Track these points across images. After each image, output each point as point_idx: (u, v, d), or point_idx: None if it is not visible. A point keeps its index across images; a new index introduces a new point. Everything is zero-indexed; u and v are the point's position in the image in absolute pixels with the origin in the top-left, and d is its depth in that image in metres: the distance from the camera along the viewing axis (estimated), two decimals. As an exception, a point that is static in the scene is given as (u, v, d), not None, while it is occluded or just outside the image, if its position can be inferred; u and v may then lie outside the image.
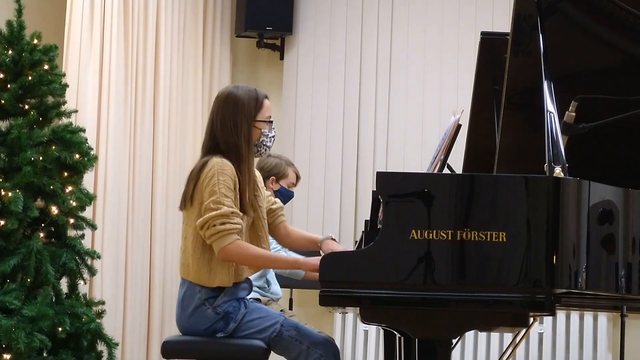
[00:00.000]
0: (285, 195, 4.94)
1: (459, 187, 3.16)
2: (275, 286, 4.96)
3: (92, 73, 5.92)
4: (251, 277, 3.79)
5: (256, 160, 3.99)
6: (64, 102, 5.00)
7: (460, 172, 4.49)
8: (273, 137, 3.75)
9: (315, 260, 3.39)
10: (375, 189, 3.53)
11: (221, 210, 3.51)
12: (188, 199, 3.64)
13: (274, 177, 4.92)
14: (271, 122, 3.75)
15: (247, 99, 3.70)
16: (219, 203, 3.52)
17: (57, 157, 4.81)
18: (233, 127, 3.67)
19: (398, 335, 4.10)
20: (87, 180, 5.35)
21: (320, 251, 3.75)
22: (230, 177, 3.58)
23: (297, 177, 5.03)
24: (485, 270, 3.08)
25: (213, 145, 3.69)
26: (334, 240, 3.84)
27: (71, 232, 4.97)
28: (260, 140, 3.71)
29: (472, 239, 3.06)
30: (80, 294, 4.97)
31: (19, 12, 4.90)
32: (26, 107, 4.88)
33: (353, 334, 6.50)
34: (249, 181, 3.67)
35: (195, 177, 3.62)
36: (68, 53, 5.86)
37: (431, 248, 3.07)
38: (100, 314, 5.02)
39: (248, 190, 3.65)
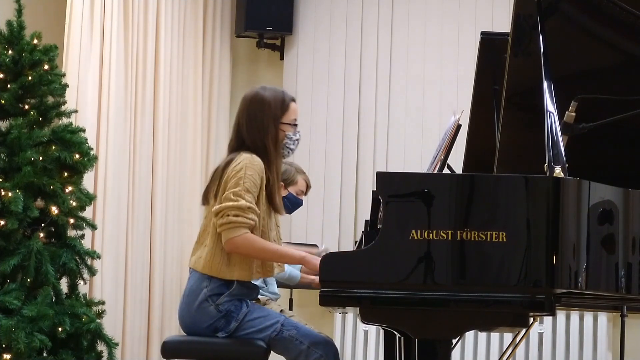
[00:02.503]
0: (293, 203, 4.92)
1: (459, 187, 3.16)
2: (273, 286, 4.96)
3: (92, 73, 5.93)
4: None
5: None
6: (64, 102, 5.00)
7: (460, 172, 4.49)
8: (297, 140, 3.77)
9: None
10: (375, 189, 3.53)
11: (238, 203, 3.52)
12: (212, 196, 3.65)
13: (282, 183, 4.91)
14: (296, 125, 3.75)
15: (273, 100, 3.71)
16: (238, 195, 3.54)
17: (57, 157, 4.81)
18: (260, 128, 3.67)
19: (398, 335, 4.10)
20: (87, 180, 5.35)
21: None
22: (258, 172, 3.59)
23: (308, 186, 5.00)
24: (485, 270, 3.08)
25: (239, 144, 3.70)
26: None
27: (71, 232, 4.97)
28: (284, 142, 3.72)
29: (472, 239, 3.06)
30: (80, 294, 4.97)
31: (19, 12, 4.90)
32: (26, 107, 4.88)
33: (353, 334, 6.50)
34: (277, 181, 3.68)
35: (220, 172, 3.63)
36: (68, 53, 5.86)
37: (431, 248, 3.07)
38: (100, 314, 5.02)
39: (276, 191, 3.66)
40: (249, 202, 3.54)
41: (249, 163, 3.58)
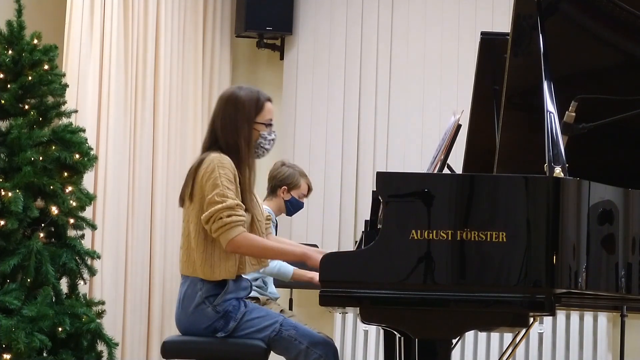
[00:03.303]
0: (294, 206, 4.94)
1: (459, 187, 3.16)
2: (272, 286, 4.96)
3: (92, 73, 5.93)
4: (248, 277, 3.79)
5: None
6: (64, 102, 5.01)
7: (460, 172, 4.49)
8: (272, 140, 3.75)
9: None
10: (375, 189, 3.53)
11: (226, 203, 3.52)
12: (187, 197, 3.65)
13: (285, 187, 4.91)
14: (271, 125, 3.75)
15: (247, 100, 3.70)
16: (223, 196, 3.53)
17: (57, 157, 4.82)
18: (233, 128, 3.67)
19: (398, 335, 4.10)
20: (87, 180, 5.36)
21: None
22: (230, 170, 3.58)
23: (309, 189, 5.02)
24: (485, 270, 3.08)
25: (213, 143, 3.70)
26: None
27: (71, 232, 4.97)
28: (258, 142, 3.71)
29: (472, 239, 3.06)
30: (80, 294, 4.97)
31: (19, 12, 4.91)
32: (26, 107, 4.89)
33: (353, 334, 6.50)
34: (248, 180, 3.67)
35: (193, 174, 3.63)
36: (68, 53, 5.86)
37: (431, 248, 3.07)
38: (100, 314, 5.03)
39: (247, 190, 3.66)
40: (234, 199, 3.54)
41: (219, 163, 3.58)
